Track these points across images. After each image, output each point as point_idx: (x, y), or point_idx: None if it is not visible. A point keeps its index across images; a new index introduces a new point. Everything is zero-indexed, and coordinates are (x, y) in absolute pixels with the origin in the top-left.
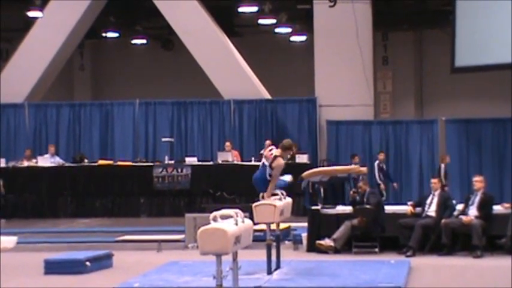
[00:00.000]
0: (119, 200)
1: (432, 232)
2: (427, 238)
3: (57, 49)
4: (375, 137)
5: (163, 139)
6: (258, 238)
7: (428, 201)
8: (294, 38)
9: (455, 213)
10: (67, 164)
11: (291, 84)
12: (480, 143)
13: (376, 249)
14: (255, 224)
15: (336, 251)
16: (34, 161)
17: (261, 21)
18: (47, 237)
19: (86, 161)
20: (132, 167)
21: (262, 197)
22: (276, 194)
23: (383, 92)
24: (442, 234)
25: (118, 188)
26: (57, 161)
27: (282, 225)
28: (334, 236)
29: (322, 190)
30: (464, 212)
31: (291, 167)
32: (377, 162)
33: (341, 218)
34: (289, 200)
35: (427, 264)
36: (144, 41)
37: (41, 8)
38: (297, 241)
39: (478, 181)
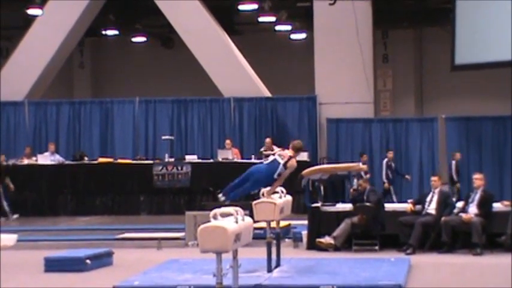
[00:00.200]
0: (119, 198)
1: (432, 230)
2: (427, 236)
3: (57, 47)
4: (375, 135)
5: (164, 137)
6: (258, 236)
7: (428, 199)
8: (294, 36)
9: (455, 211)
10: (67, 162)
11: (291, 82)
12: (480, 140)
13: (376, 247)
14: (255, 221)
15: (336, 248)
16: (34, 159)
17: (261, 19)
18: (47, 235)
19: (86, 159)
20: (132, 165)
21: (263, 195)
22: (276, 192)
23: (383, 90)
24: (442, 232)
25: (118, 186)
26: (57, 159)
27: (282, 223)
28: (334, 233)
29: (322, 188)
30: (464, 210)
31: None
32: (385, 160)
33: (341, 215)
34: (289, 197)
35: (427, 262)
36: (144, 39)
37: (40, 6)
38: (297, 239)
39: (478, 179)
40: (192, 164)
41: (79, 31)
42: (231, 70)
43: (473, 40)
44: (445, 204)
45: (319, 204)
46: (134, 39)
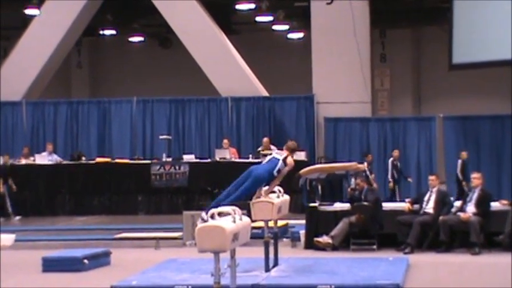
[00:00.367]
0: (116, 198)
1: (430, 229)
2: (425, 235)
3: (54, 47)
4: (372, 134)
5: (161, 137)
6: (256, 235)
7: (426, 198)
8: (291, 36)
9: (453, 210)
10: (65, 162)
11: (288, 82)
12: (478, 140)
13: (374, 246)
14: (252, 221)
15: (334, 248)
16: (32, 158)
17: (258, 18)
18: (44, 235)
19: (83, 158)
20: (130, 165)
21: (261, 194)
22: (274, 192)
23: (381, 89)
24: (440, 231)
25: (116, 185)
26: (54, 158)
27: (280, 223)
28: (332, 233)
29: (320, 187)
30: (462, 209)
31: None
32: (391, 159)
33: (339, 215)
34: (287, 197)
35: (425, 261)
36: (141, 39)
37: (38, 5)
38: (294, 238)
39: (476, 178)
40: (190, 163)
41: (77, 31)
42: (228, 70)
43: (471, 39)
44: (443, 203)
45: (317, 204)
46: (132, 39)
